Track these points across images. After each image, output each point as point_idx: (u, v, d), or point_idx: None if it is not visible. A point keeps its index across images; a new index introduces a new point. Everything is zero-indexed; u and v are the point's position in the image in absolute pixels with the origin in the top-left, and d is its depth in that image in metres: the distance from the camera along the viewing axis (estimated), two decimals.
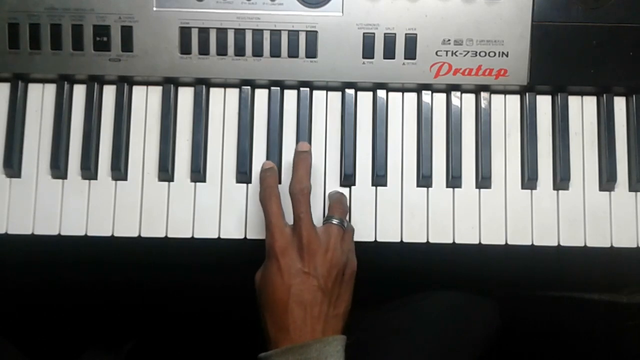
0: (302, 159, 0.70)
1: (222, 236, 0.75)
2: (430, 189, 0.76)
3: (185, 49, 0.74)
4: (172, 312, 1.03)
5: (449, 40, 0.75)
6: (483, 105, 0.77)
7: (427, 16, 0.74)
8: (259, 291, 0.67)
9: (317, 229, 0.67)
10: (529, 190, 0.76)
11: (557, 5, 0.74)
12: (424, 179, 0.76)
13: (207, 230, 0.75)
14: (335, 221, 0.69)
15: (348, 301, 0.67)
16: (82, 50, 0.74)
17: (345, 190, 0.75)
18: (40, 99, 0.76)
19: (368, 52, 0.75)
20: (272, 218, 0.67)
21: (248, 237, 0.75)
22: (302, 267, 0.65)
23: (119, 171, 0.75)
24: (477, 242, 0.75)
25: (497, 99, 0.77)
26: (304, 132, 0.76)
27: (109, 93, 0.76)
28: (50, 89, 0.76)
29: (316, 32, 0.74)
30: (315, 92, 0.77)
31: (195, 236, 0.75)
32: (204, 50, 0.74)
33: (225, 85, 0.77)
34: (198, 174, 0.75)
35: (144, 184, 0.75)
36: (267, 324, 0.65)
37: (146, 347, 1.05)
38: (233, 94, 0.77)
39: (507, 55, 0.75)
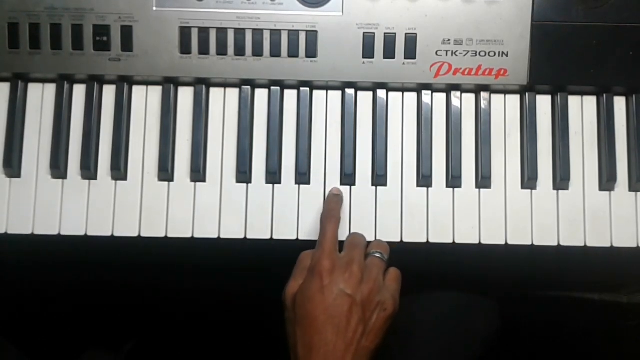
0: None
1: (222, 236, 0.75)
2: (430, 188, 0.76)
3: (185, 48, 0.74)
4: (172, 312, 1.03)
5: (449, 40, 0.75)
6: (483, 105, 0.77)
7: (427, 16, 0.75)
8: (293, 306, 0.66)
9: None
10: (529, 190, 0.76)
11: (557, 5, 0.74)
12: (424, 179, 0.76)
13: (207, 230, 0.75)
14: (377, 255, 0.69)
15: (381, 339, 0.66)
16: (82, 50, 0.74)
17: (345, 190, 0.75)
18: (40, 98, 0.76)
19: (368, 52, 0.75)
20: (327, 238, 0.68)
21: (248, 237, 0.74)
22: (346, 289, 0.65)
23: (119, 171, 0.75)
24: (477, 242, 0.75)
25: (497, 98, 0.77)
26: (304, 132, 0.76)
27: (109, 93, 0.76)
28: (50, 88, 0.76)
29: (316, 32, 0.74)
30: (315, 92, 0.77)
31: (195, 236, 0.75)
32: (204, 50, 0.74)
33: (225, 85, 0.77)
34: (198, 173, 0.75)
35: (144, 183, 0.75)
36: (296, 342, 0.65)
37: (146, 348, 1.05)
38: (233, 93, 0.77)
39: (507, 55, 0.75)
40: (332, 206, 0.72)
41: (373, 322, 0.65)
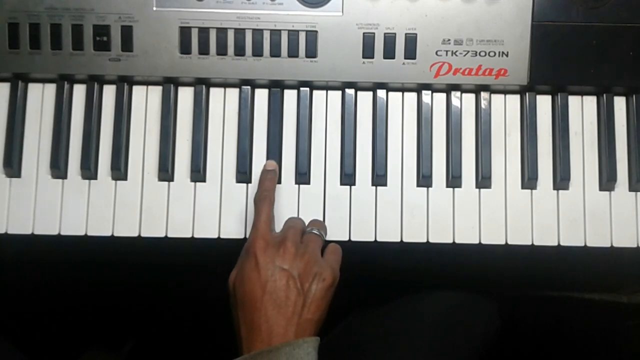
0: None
1: (222, 236, 0.75)
2: (430, 188, 0.76)
3: (185, 48, 0.74)
4: (171, 312, 1.03)
5: (449, 40, 0.75)
6: (483, 105, 0.77)
7: (427, 16, 0.75)
8: (233, 290, 0.66)
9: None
10: (529, 190, 0.76)
11: (557, 5, 0.74)
12: (424, 179, 0.76)
13: (207, 230, 0.75)
14: (315, 231, 0.70)
15: (324, 310, 0.66)
16: (82, 50, 0.74)
17: (345, 190, 0.75)
18: (40, 99, 0.76)
19: (368, 52, 0.75)
20: (260, 219, 0.68)
21: (248, 237, 0.74)
22: (281, 265, 0.65)
23: (119, 171, 0.75)
24: (477, 242, 0.75)
25: (497, 98, 0.77)
26: (304, 131, 0.76)
27: (109, 93, 0.76)
28: (50, 89, 0.76)
29: (316, 32, 0.74)
30: (315, 92, 0.77)
31: (195, 236, 0.75)
32: (204, 50, 0.74)
33: (225, 85, 0.77)
34: (198, 173, 0.75)
35: (144, 183, 0.75)
36: (239, 324, 0.65)
37: (146, 348, 1.05)
38: (233, 93, 0.77)
39: (507, 55, 0.75)
40: (266, 185, 0.71)
41: (313, 294, 0.65)
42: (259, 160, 0.76)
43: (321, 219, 0.75)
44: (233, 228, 0.75)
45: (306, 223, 0.73)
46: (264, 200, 0.69)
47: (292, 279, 0.64)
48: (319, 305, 0.65)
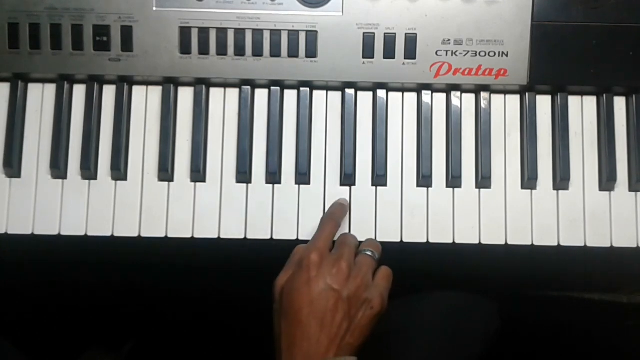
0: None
1: (222, 236, 0.75)
2: (430, 188, 0.76)
3: (185, 49, 0.74)
4: (171, 313, 1.03)
5: (449, 40, 0.75)
6: (483, 105, 0.77)
7: (427, 16, 0.75)
8: (280, 297, 0.66)
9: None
10: (529, 190, 0.76)
11: (557, 5, 0.74)
12: (424, 179, 0.76)
13: (207, 230, 0.75)
14: (368, 253, 0.69)
15: (366, 336, 0.66)
16: (82, 50, 0.74)
17: (345, 190, 0.75)
18: (40, 99, 0.76)
19: (368, 52, 0.75)
20: (321, 236, 0.68)
21: (248, 237, 0.74)
22: (332, 284, 0.64)
23: (119, 171, 0.75)
24: (477, 242, 0.75)
25: (497, 99, 0.77)
26: (304, 132, 0.76)
27: (109, 93, 0.76)
28: (50, 89, 0.76)
29: (316, 32, 0.74)
30: (315, 92, 0.77)
31: (195, 236, 0.75)
32: (204, 50, 0.74)
33: (225, 85, 0.77)
34: (198, 174, 0.75)
35: (144, 184, 0.75)
36: (281, 334, 0.65)
37: (145, 348, 1.05)
38: (233, 93, 0.77)
39: (507, 55, 0.75)
40: (335, 209, 0.73)
41: (359, 319, 0.65)
42: (259, 160, 0.76)
43: (318, 217, 0.75)
44: (233, 228, 0.75)
45: (308, 224, 0.73)
46: (330, 221, 0.71)
47: (342, 301, 0.64)
48: (363, 331, 0.65)
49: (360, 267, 0.67)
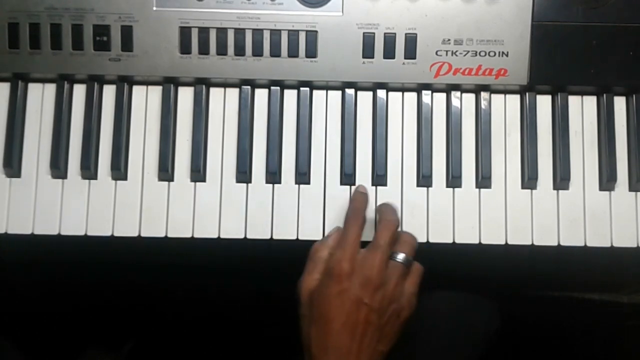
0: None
1: (222, 236, 0.75)
2: (430, 188, 0.76)
3: (185, 48, 0.74)
4: (171, 313, 1.03)
5: (449, 40, 0.75)
6: (483, 105, 0.77)
7: (427, 16, 0.75)
8: (309, 303, 0.66)
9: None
10: (529, 190, 0.76)
11: (557, 5, 0.74)
12: (424, 179, 0.76)
13: (207, 230, 0.75)
14: (400, 259, 0.68)
15: (395, 341, 0.67)
16: (82, 50, 0.74)
17: (345, 190, 0.75)
18: (40, 98, 0.76)
19: (368, 51, 0.75)
20: (350, 240, 0.67)
21: (248, 237, 0.74)
22: (363, 297, 0.64)
23: (119, 171, 0.75)
24: (477, 242, 0.75)
25: (497, 98, 0.77)
26: (304, 132, 0.76)
27: (109, 93, 0.76)
28: (50, 88, 0.76)
29: (316, 31, 0.74)
30: (315, 92, 0.77)
31: (195, 236, 0.75)
32: (204, 50, 0.74)
33: (225, 85, 0.77)
34: (198, 173, 0.75)
35: (144, 183, 0.75)
36: (309, 338, 0.65)
37: (145, 348, 1.05)
38: (233, 93, 0.77)
39: (507, 55, 0.75)
40: (358, 205, 0.70)
41: (389, 328, 0.66)
42: (259, 160, 0.76)
43: (321, 219, 0.75)
44: (233, 228, 0.75)
45: (307, 223, 0.73)
46: (356, 219, 0.68)
47: (372, 313, 0.64)
48: (392, 339, 0.67)
49: (390, 276, 0.66)
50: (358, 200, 0.71)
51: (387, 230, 0.67)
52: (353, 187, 0.76)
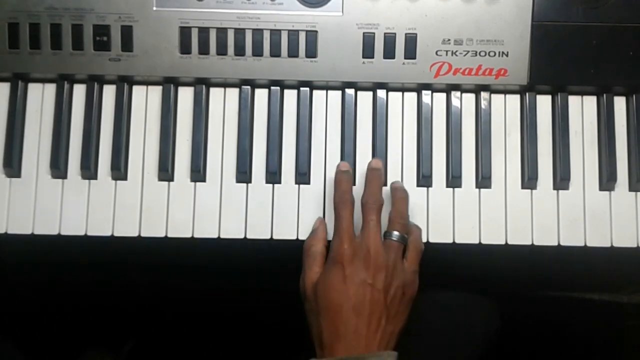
0: (377, 176, 0.71)
1: (222, 236, 0.75)
2: (430, 188, 0.76)
3: (185, 48, 0.74)
4: (171, 313, 1.03)
5: (449, 40, 0.75)
6: (483, 105, 0.77)
7: (427, 16, 0.75)
8: (314, 296, 0.67)
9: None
10: (529, 190, 0.76)
11: (557, 5, 0.74)
12: (424, 179, 0.76)
13: (207, 230, 0.75)
14: (395, 237, 0.69)
15: (405, 321, 0.68)
16: (82, 50, 0.74)
17: None
18: (40, 98, 0.76)
19: (368, 51, 0.75)
20: (344, 224, 0.68)
21: (248, 237, 0.74)
22: (367, 279, 0.65)
23: (119, 171, 0.75)
24: (477, 242, 0.75)
25: (497, 98, 0.77)
26: (304, 131, 0.76)
27: (109, 93, 0.76)
28: (50, 88, 0.76)
29: (316, 31, 0.74)
30: (315, 92, 0.77)
31: (195, 236, 0.75)
32: (204, 50, 0.74)
33: (225, 85, 0.77)
34: (198, 173, 0.75)
35: (144, 183, 0.75)
36: (322, 330, 0.66)
37: (145, 348, 1.05)
38: (233, 93, 0.77)
39: (507, 55, 0.75)
40: (343, 186, 0.71)
41: (396, 307, 0.67)
42: (259, 160, 0.76)
43: (319, 214, 0.75)
44: (233, 228, 0.75)
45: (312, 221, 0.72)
46: (344, 203, 0.70)
47: (377, 292, 0.65)
48: (401, 318, 0.67)
49: (388, 254, 0.67)
50: (342, 181, 0.71)
51: (372, 211, 0.69)
52: (353, 187, 0.75)
